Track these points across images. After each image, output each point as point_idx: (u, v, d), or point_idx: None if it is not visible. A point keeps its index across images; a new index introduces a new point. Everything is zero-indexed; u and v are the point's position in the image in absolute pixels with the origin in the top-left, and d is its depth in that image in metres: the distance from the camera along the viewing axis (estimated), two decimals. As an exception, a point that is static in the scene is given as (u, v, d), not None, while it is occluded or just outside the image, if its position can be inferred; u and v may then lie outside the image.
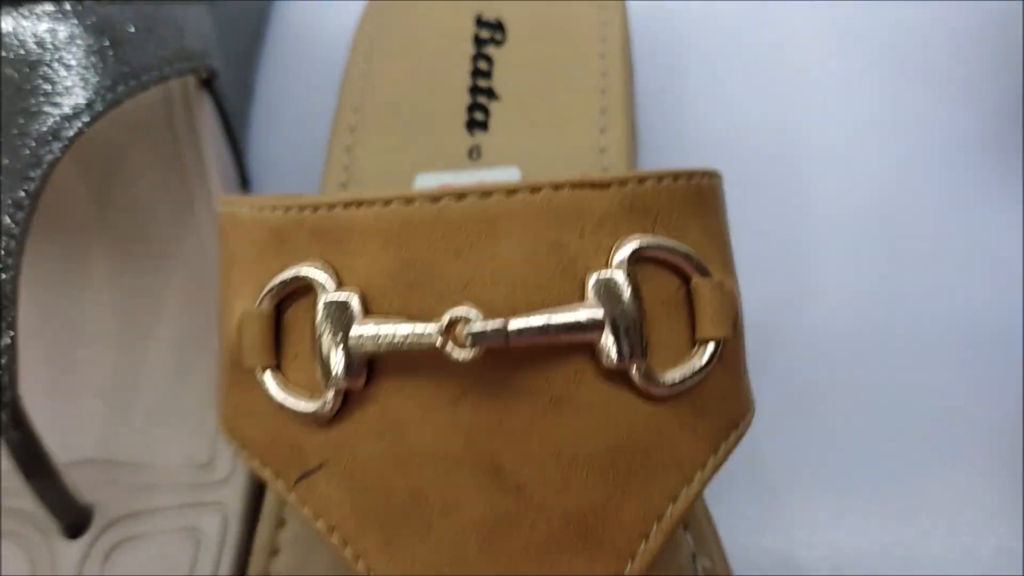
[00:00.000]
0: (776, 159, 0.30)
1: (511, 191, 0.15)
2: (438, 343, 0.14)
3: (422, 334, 0.15)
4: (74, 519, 0.23)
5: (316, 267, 0.16)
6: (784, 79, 0.32)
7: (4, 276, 0.19)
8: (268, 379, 0.16)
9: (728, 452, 0.16)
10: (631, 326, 0.15)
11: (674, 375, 0.15)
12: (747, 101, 0.31)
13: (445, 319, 0.14)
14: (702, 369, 0.16)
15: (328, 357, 0.15)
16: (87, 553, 0.23)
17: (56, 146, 0.21)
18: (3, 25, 0.21)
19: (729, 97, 0.31)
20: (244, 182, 0.29)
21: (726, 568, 0.20)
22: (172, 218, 0.26)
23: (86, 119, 0.21)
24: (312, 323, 0.16)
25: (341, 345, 0.15)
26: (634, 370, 0.15)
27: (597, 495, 0.15)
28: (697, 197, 0.17)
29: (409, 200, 0.15)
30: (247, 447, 0.17)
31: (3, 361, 0.19)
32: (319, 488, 0.16)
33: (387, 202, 0.15)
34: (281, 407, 0.16)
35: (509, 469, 0.15)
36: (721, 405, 0.16)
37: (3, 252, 0.19)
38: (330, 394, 0.16)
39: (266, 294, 0.16)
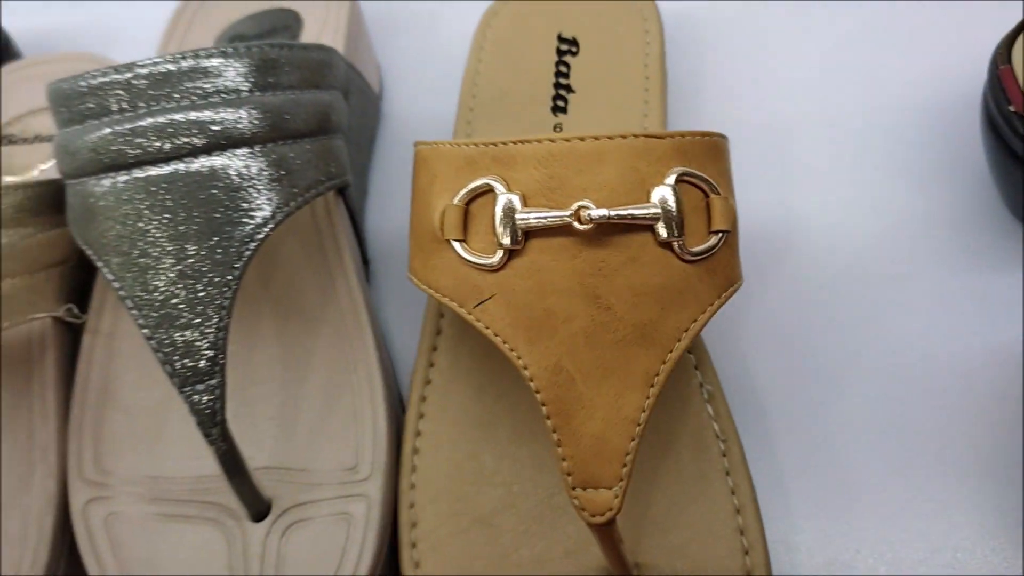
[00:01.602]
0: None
1: (611, 137, 0.25)
2: (569, 220, 0.25)
3: (559, 215, 0.25)
4: (258, 509, 0.30)
5: (495, 179, 0.26)
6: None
7: (221, 336, 0.27)
8: (459, 247, 0.27)
9: (725, 300, 0.26)
10: (674, 218, 0.25)
11: (698, 248, 0.26)
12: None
13: (574, 207, 0.25)
14: (713, 247, 0.26)
15: (501, 230, 0.26)
16: (268, 532, 0.30)
17: (252, 245, 0.29)
18: (217, 162, 0.29)
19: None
20: (364, 261, 0.38)
21: (721, 392, 0.30)
22: (318, 291, 0.34)
23: (271, 226, 0.29)
24: (491, 212, 0.26)
25: (509, 223, 0.25)
26: (675, 244, 0.25)
27: (652, 314, 0.25)
28: (714, 148, 0.27)
29: (552, 140, 0.26)
30: (439, 291, 0.27)
31: (218, 395, 0.27)
32: (489, 310, 0.26)
33: (540, 141, 0.26)
34: (466, 262, 0.26)
35: (603, 297, 0.25)
36: (723, 271, 0.27)
37: (223, 319, 0.28)
38: (500, 253, 0.26)
39: (463, 195, 0.26)
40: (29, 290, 0.31)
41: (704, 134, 0.27)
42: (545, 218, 0.25)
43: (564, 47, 0.39)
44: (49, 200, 0.33)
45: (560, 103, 0.38)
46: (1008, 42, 0.32)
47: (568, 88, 0.38)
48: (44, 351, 0.34)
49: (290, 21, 0.44)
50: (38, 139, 0.41)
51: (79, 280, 0.35)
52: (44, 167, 0.40)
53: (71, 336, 0.35)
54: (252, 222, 0.29)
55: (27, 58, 0.44)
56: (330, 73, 0.33)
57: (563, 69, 0.39)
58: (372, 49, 0.45)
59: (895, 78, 0.40)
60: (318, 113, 0.31)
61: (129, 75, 0.29)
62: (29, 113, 0.42)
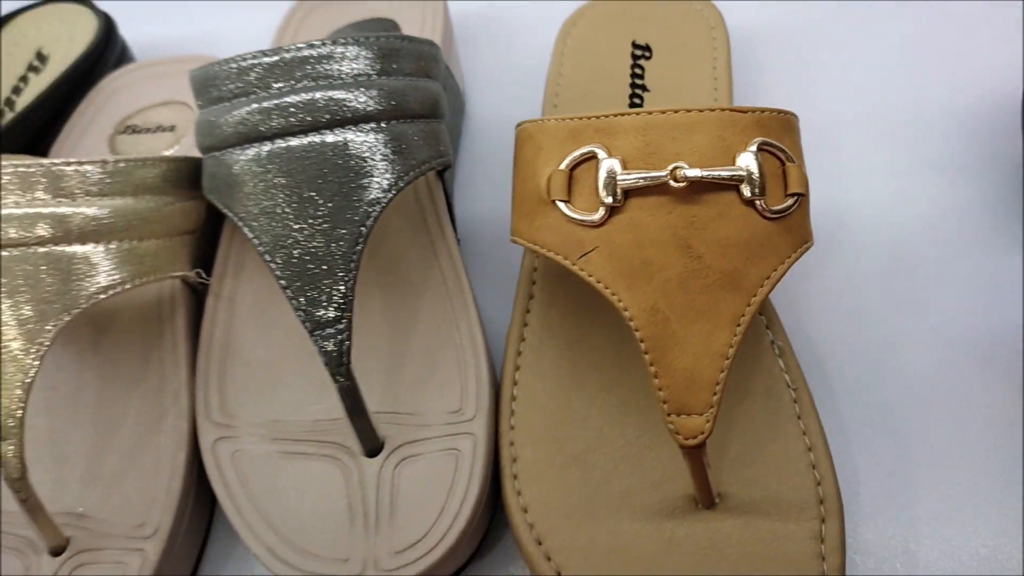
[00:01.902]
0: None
1: (701, 109, 0.29)
2: (666, 179, 0.28)
3: (657, 175, 0.28)
4: (373, 445, 0.33)
5: (598, 146, 0.30)
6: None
7: (350, 289, 0.31)
8: (564, 207, 0.30)
9: (800, 255, 0.30)
10: (756, 180, 0.29)
11: (777, 208, 0.29)
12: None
13: (669, 167, 0.28)
14: (790, 207, 0.29)
15: (604, 190, 0.29)
16: (382, 465, 0.33)
17: (377, 208, 0.32)
18: (348, 136, 0.32)
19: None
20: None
21: (791, 349, 0.33)
22: (421, 260, 0.38)
23: (392, 192, 0.33)
24: (593, 175, 0.30)
25: (611, 184, 0.29)
26: (757, 203, 0.29)
27: (739, 263, 0.29)
28: (788, 123, 0.30)
29: (650, 112, 0.29)
30: (544, 246, 0.31)
31: (345, 341, 0.31)
32: (592, 260, 0.29)
33: (638, 113, 0.29)
34: (570, 220, 0.30)
35: (695, 247, 0.29)
36: (798, 229, 0.30)
37: (351, 274, 0.31)
38: (602, 210, 0.29)
39: (569, 161, 0.30)
40: (168, 251, 0.35)
41: (780, 111, 0.30)
42: (644, 178, 0.29)
43: (638, 52, 0.43)
44: (186, 175, 0.37)
45: (636, 101, 0.42)
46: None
47: (643, 88, 0.42)
48: (175, 311, 0.38)
49: (388, 29, 0.48)
50: (160, 129, 0.45)
51: (204, 250, 0.39)
52: (167, 153, 0.44)
53: (196, 299, 0.39)
54: (378, 189, 0.33)
55: (141, 61, 0.48)
56: (436, 66, 0.37)
57: (638, 72, 0.43)
58: (459, 57, 0.49)
59: (937, 84, 0.43)
60: (430, 99, 0.35)
61: (276, 58, 0.33)
62: (150, 107, 0.46)
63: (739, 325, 0.28)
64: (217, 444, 0.34)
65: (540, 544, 0.30)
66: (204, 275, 0.37)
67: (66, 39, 0.48)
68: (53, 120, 0.45)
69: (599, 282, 0.29)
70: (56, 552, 0.33)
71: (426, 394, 0.34)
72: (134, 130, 0.45)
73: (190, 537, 0.34)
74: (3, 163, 0.33)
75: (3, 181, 0.33)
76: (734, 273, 0.29)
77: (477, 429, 0.33)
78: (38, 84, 0.46)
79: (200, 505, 0.35)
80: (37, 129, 0.44)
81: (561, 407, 0.33)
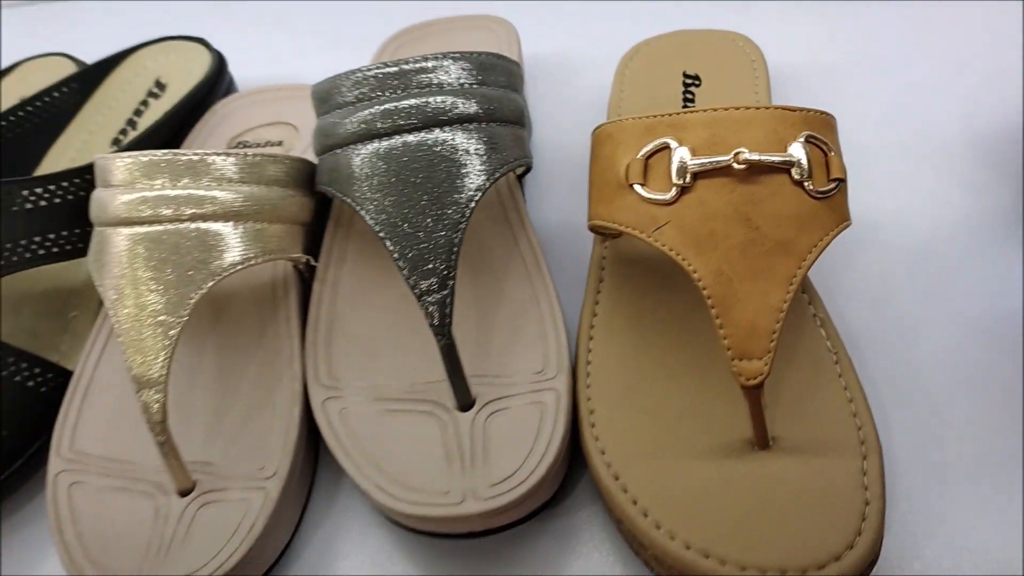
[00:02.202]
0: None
1: (758, 108, 0.34)
2: (729, 163, 0.34)
3: (720, 160, 0.34)
4: (467, 401, 0.37)
5: (670, 138, 0.35)
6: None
7: (453, 263, 0.36)
8: (640, 189, 0.35)
9: (840, 231, 0.35)
10: (804, 165, 0.34)
11: (822, 189, 0.34)
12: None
13: (733, 152, 0.34)
14: (832, 190, 0.34)
15: (676, 173, 0.34)
16: (474, 418, 0.37)
17: (477, 194, 0.38)
18: (452, 134, 0.38)
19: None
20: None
21: (830, 320, 0.38)
22: (504, 250, 0.43)
23: (489, 182, 0.38)
24: (666, 163, 0.35)
25: (683, 168, 0.34)
26: (806, 184, 0.34)
27: (791, 233, 0.33)
28: (829, 122, 0.36)
29: (715, 109, 0.35)
30: (622, 224, 0.36)
31: (449, 305, 0.36)
32: (665, 233, 0.34)
33: (704, 110, 0.35)
34: (645, 200, 0.35)
35: (753, 219, 0.34)
36: (839, 209, 0.35)
37: (455, 250, 0.36)
38: (673, 191, 0.34)
39: (646, 151, 0.35)
40: (288, 236, 0.40)
41: (823, 112, 0.36)
42: (711, 162, 0.34)
43: (689, 80, 0.49)
44: (303, 175, 0.42)
45: (687, 122, 0.48)
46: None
47: (693, 112, 0.48)
48: (288, 292, 0.43)
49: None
50: (268, 144, 0.51)
51: (311, 242, 0.44)
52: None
53: (304, 284, 0.44)
54: (478, 178, 0.38)
55: (247, 90, 0.55)
56: (522, 83, 0.43)
57: (689, 96, 0.49)
58: (526, 91, 0.55)
59: (952, 113, 0.49)
60: (517, 109, 0.41)
61: (394, 69, 0.39)
62: (258, 127, 0.52)
63: (791, 284, 0.33)
64: (326, 403, 0.39)
65: (616, 479, 0.34)
66: (313, 260, 0.42)
67: (183, 70, 0.54)
68: (171, 139, 0.51)
69: (671, 250, 0.34)
70: (184, 494, 0.37)
71: (512, 359, 0.39)
72: (244, 145, 0.51)
73: (302, 480, 0.39)
74: (157, 154, 0.38)
75: (144, 167, 0.38)
76: (786, 241, 0.33)
77: (559, 385, 0.37)
78: (157, 108, 0.52)
79: (309, 455, 0.39)
80: (157, 146, 0.50)
81: (630, 369, 0.38)
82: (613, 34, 0.58)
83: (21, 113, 0.49)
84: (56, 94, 0.51)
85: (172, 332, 0.36)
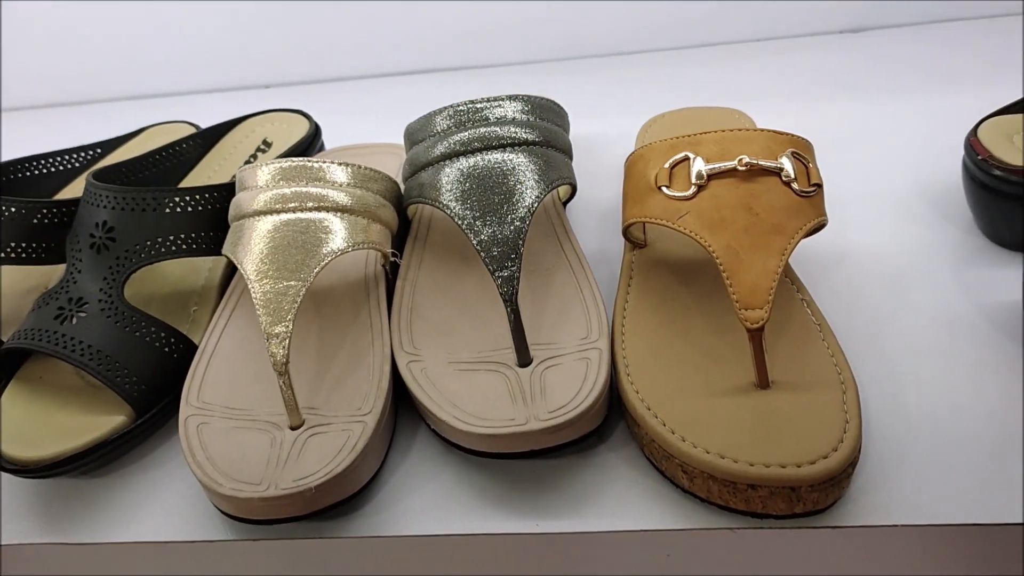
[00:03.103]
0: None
1: (756, 130, 0.45)
2: (735, 166, 0.43)
3: (730, 164, 0.44)
4: (526, 359, 0.45)
5: (690, 152, 0.45)
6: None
7: (519, 247, 0.45)
8: (666, 190, 0.45)
9: (818, 223, 0.44)
10: (791, 171, 0.44)
11: (804, 190, 0.44)
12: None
13: (738, 159, 0.44)
14: (812, 191, 0.44)
15: (695, 176, 0.44)
16: (532, 371, 0.44)
17: (537, 202, 0.48)
18: (516, 155, 0.49)
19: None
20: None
21: (813, 301, 0.47)
22: (551, 255, 0.53)
23: (544, 194, 0.48)
24: (687, 169, 0.45)
25: (700, 172, 0.44)
26: (792, 184, 0.44)
27: (783, 219, 0.43)
28: (808, 145, 0.46)
29: (723, 131, 0.45)
30: (652, 216, 0.45)
31: (515, 277, 0.45)
32: (686, 220, 0.44)
33: (715, 132, 0.45)
34: (670, 197, 0.45)
35: (754, 208, 0.43)
36: (817, 206, 0.45)
37: (521, 244, 0.46)
38: (693, 188, 0.44)
39: (671, 162, 0.45)
40: (382, 234, 0.50)
41: (803, 137, 0.46)
42: (722, 167, 0.44)
43: (696, 142, 0.61)
44: (393, 193, 0.52)
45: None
46: (975, 126, 0.52)
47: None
48: (377, 285, 0.52)
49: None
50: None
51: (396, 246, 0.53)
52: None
53: (389, 282, 0.53)
54: (529, 198, 0.48)
55: (336, 147, 0.65)
56: (567, 127, 0.53)
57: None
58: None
59: (909, 171, 0.60)
60: (566, 142, 0.51)
61: (468, 106, 0.49)
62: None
63: (783, 255, 0.42)
64: (410, 364, 0.47)
65: (649, 409, 0.42)
66: (398, 256, 0.52)
67: (286, 133, 0.65)
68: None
69: (692, 232, 0.44)
70: (295, 428, 0.44)
71: (562, 331, 0.47)
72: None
73: (388, 425, 0.46)
74: (292, 161, 0.48)
75: (281, 172, 0.48)
76: (779, 224, 0.43)
77: (601, 345, 0.45)
78: (265, 160, 0.62)
79: (392, 409, 0.47)
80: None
81: (656, 336, 0.46)
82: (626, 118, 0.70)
83: (157, 157, 0.60)
84: (184, 145, 0.62)
85: (297, 297, 0.45)
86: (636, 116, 0.68)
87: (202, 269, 0.56)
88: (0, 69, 0.93)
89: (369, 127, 0.72)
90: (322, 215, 0.47)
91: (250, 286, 0.45)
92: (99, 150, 0.65)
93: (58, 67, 0.93)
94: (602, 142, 0.69)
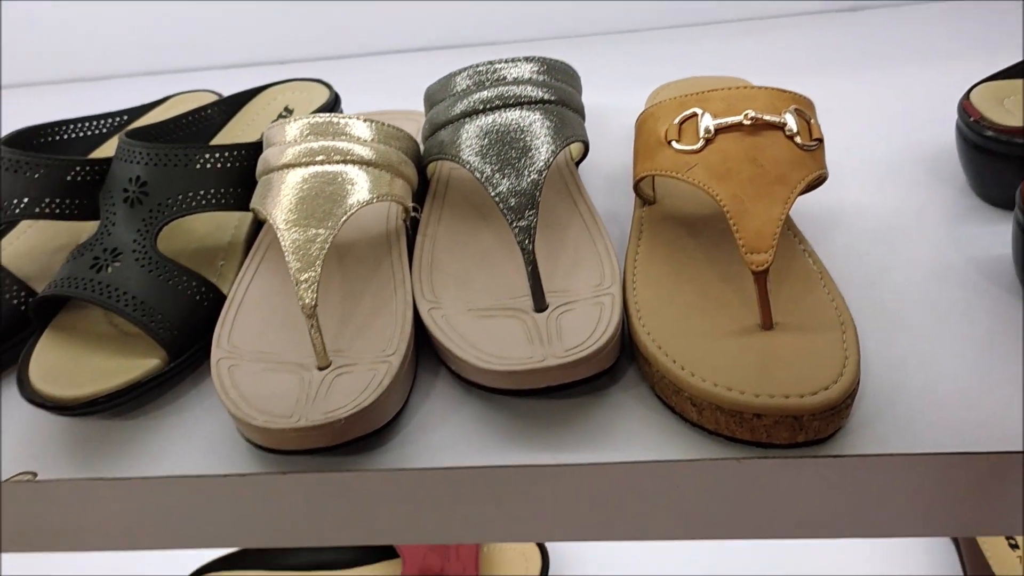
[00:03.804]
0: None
1: (760, 87, 0.47)
2: (741, 120, 0.46)
3: (736, 119, 0.46)
4: (543, 305, 0.47)
5: (698, 108, 0.47)
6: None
7: (535, 208, 0.47)
8: (676, 144, 0.47)
9: (818, 176, 0.46)
10: (794, 126, 0.46)
11: (806, 143, 0.46)
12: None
13: (744, 114, 0.46)
14: (813, 145, 0.46)
15: (703, 131, 0.46)
16: (548, 316, 0.46)
17: (551, 157, 0.50)
18: (531, 112, 0.51)
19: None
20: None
21: (814, 252, 0.49)
22: (565, 210, 0.55)
23: (558, 150, 0.50)
24: (695, 124, 0.47)
25: (707, 127, 0.46)
26: (795, 138, 0.46)
27: (786, 170, 0.45)
28: (810, 102, 0.48)
29: (729, 88, 0.47)
30: (662, 170, 0.47)
31: (532, 227, 0.48)
32: (694, 172, 0.46)
33: (723, 89, 0.47)
34: (679, 151, 0.47)
35: (758, 160, 0.45)
36: (818, 160, 0.47)
37: (536, 197, 0.48)
38: (701, 142, 0.46)
39: (680, 118, 0.47)
40: (403, 188, 0.52)
41: (805, 96, 0.48)
42: (728, 121, 0.46)
43: (701, 108, 0.63)
44: (413, 151, 0.54)
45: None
46: (968, 91, 0.54)
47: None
48: (399, 238, 0.54)
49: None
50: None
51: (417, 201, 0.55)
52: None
53: (409, 237, 0.55)
54: (543, 154, 0.50)
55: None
56: (579, 88, 0.55)
57: (702, 118, 0.62)
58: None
59: (898, 131, 0.63)
60: (578, 101, 0.54)
61: (486, 67, 0.52)
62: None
63: (786, 204, 0.44)
64: (430, 311, 0.49)
65: (659, 348, 0.44)
66: (418, 211, 0.54)
67: (307, 101, 0.67)
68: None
69: (700, 183, 0.46)
70: (322, 369, 0.47)
71: (576, 279, 0.49)
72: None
73: (410, 368, 0.48)
74: (319, 117, 0.50)
75: (310, 127, 0.50)
76: (782, 175, 0.45)
77: (614, 291, 0.47)
78: (286, 123, 0.65)
79: (414, 355, 0.49)
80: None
81: (665, 283, 0.48)
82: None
83: (183, 121, 0.62)
84: (208, 111, 0.64)
85: (325, 244, 0.47)
86: (641, 89, 0.70)
87: (228, 226, 0.58)
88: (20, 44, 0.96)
89: (379, 104, 0.74)
90: (348, 168, 0.49)
91: (279, 234, 0.48)
92: (125, 117, 0.66)
93: (76, 43, 0.95)
94: (608, 113, 0.71)
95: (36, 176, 0.54)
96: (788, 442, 0.41)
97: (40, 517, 0.49)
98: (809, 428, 0.41)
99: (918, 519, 0.44)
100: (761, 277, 0.43)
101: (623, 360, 0.48)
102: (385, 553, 0.79)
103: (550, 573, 0.80)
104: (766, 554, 0.86)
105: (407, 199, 0.52)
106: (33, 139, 0.61)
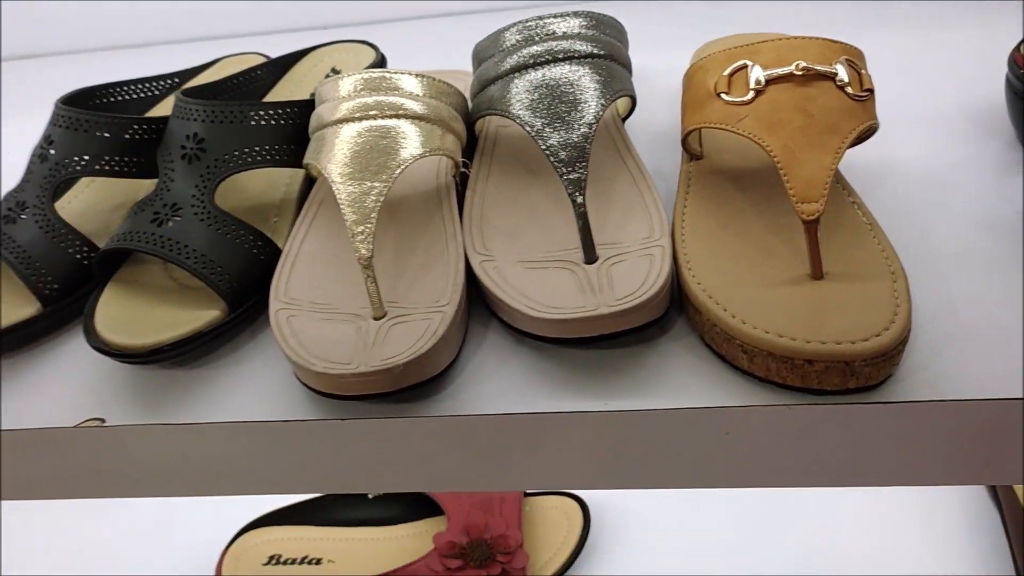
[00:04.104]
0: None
1: (811, 38, 0.47)
2: (792, 71, 0.46)
3: (787, 70, 0.46)
4: (593, 256, 0.47)
5: (748, 60, 0.47)
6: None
7: (585, 159, 0.48)
8: (725, 96, 0.47)
9: (869, 126, 0.46)
10: (845, 76, 0.46)
11: (857, 94, 0.46)
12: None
13: (795, 64, 0.46)
14: (864, 95, 0.47)
15: (753, 82, 0.47)
16: (599, 267, 0.47)
17: (594, 124, 0.50)
18: (577, 67, 0.52)
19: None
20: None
21: (863, 203, 0.49)
22: (612, 164, 0.55)
23: (607, 103, 0.50)
24: (745, 76, 0.47)
25: (757, 78, 0.47)
26: (846, 88, 0.46)
27: (836, 120, 0.45)
28: (861, 53, 0.48)
29: (780, 39, 0.47)
30: (712, 122, 0.48)
31: (583, 179, 0.48)
32: (745, 123, 0.46)
33: (772, 40, 0.47)
34: (729, 103, 0.47)
35: (809, 110, 0.45)
36: (869, 110, 0.47)
37: (586, 150, 0.48)
38: (751, 94, 0.47)
39: (730, 70, 0.48)
40: (454, 142, 0.53)
41: (855, 46, 0.48)
42: (779, 72, 0.46)
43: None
44: (462, 107, 0.55)
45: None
46: (1020, 43, 0.54)
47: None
48: (449, 194, 0.55)
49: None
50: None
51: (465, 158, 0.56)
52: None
53: (459, 192, 0.56)
54: (593, 107, 0.50)
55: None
56: (626, 42, 0.56)
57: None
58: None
59: (947, 86, 0.62)
60: (626, 55, 0.54)
61: (535, 21, 0.52)
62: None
63: (837, 153, 0.45)
64: (482, 263, 0.50)
65: (710, 297, 0.45)
66: (468, 166, 0.55)
67: (353, 62, 0.68)
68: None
69: (750, 134, 0.46)
70: (378, 319, 0.48)
71: (625, 232, 0.50)
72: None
73: (464, 316, 0.49)
74: (372, 72, 0.51)
75: (363, 82, 0.51)
76: (833, 125, 0.45)
77: (664, 243, 0.48)
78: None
79: (466, 306, 0.50)
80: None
81: (714, 235, 0.48)
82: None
83: (234, 81, 0.63)
84: (258, 72, 0.65)
85: (380, 197, 0.48)
86: (685, 50, 0.70)
87: (280, 185, 0.59)
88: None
89: (423, 66, 0.75)
90: (401, 122, 0.50)
91: (335, 188, 0.48)
92: (176, 79, 0.68)
93: (121, 9, 0.97)
94: (652, 74, 0.71)
95: (95, 134, 0.56)
96: (838, 388, 0.42)
97: (107, 463, 0.50)
98: (860, 374, 0.41)
99: (966, 466, 0.44)
100: (812, 227, 0.44)
101: (672, 312, 0.48)
102: (429, 511, 0.81)
103: (591, 531, 0.81)
104: (806, 504, 0.86)
105: (457, 154, 0.53)
106: (89, 100, 0.63)
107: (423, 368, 0.45)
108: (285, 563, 0.77)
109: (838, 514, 0.86)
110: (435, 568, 0.72)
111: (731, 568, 0.81)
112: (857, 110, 0.46)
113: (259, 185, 0.59)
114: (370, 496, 0.81)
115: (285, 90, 0.66)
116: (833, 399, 0.42)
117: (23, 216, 0.55)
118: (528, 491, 0.83)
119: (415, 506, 0.81)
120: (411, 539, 0.79)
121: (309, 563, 0.77)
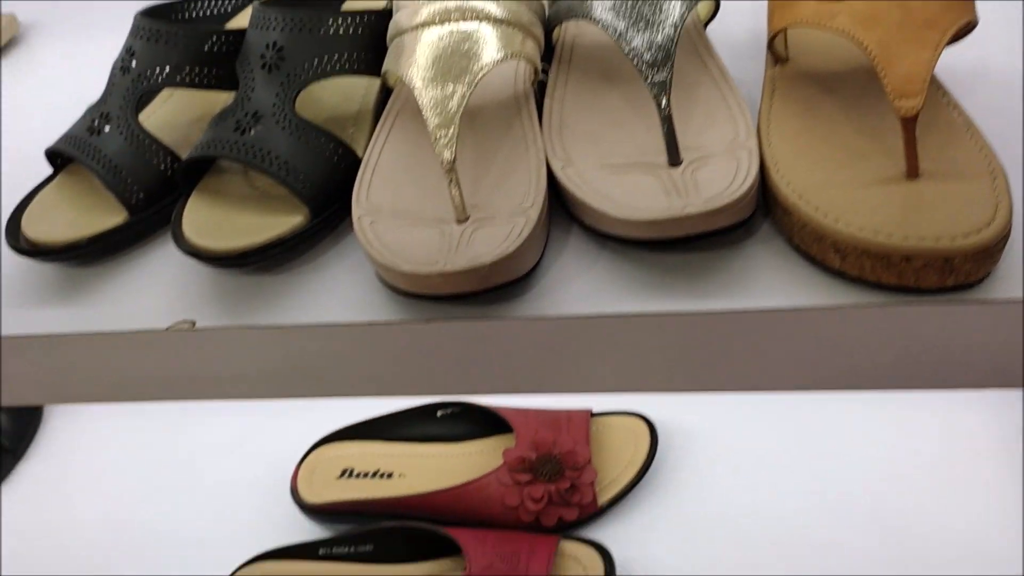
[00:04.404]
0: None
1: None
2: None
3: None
4: (677, 159, 0.46)
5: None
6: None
7: (671, 62, 0.47)
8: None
9: (969, 20, 0.45)
10: None
11: None
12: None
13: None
14: None
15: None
16: (683, 170, 0.46)
17: (680, 24, 0.47)
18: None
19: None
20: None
21: (959, 104, 0.47)
22: (694, 72, 0.53)
23: (688, 11, 0.48)
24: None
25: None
26: None
27: (935, 14, 0.43)
28: None
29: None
30: (798, 19, 0.46)
31: (668, 82, 0.48)
32: (838, 20, 0.45)
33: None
34: (822, 0, 0.46)
35: (905, 3, 0.44)
36: (968, 4, 0.45)
37: (671, 50, 0.47)
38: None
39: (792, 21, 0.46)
40: (533, 48, 0.52)
41: None
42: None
43: None
44: (540, 13, 0.54)
45: None
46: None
47: None
48: (528, 100, 0.54)
49: None
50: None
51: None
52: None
53: (536, 99, 0.55)
54: (675, 14, 0.49)
55: None
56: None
57: None
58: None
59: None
60: None
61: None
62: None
63: (937, 49, 0.43)
64: (564, 168, 0.49)
65: (800, 197, 0.44)
66: (547, 73, 0.54)
67: None
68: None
69: (845, 31, 0.45)
70: (461, 223, 0.48)
71: (709, 135, 0.49)
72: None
73: (546, 220, 0.49)
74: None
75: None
76: (932, 19, 0.44)
77: (750, 145, 0.47)
78: None
79: (548, 210, 0.50)
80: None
81: (800, 137, 0.47)
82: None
83: None
84: None
85: (463, 100, 0.47)
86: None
87: (355, 96, 0.59)
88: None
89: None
90: (482, 26, 0.49)
91: (416, 93, 0.48)
92: (249, -5, 0.68)
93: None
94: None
95: (175, 45, 0.56)
96: (936, 286, 0.41)
97: (196, 365, 0.52)
98: (960, 271, 0.40)
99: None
100: (911, 123, 0.42)
101: (757, 216, 0.47)
102: (498, 429, 0.82)
103: (659, 451, 0.81)
104: (881, 420, 0.86)
105: (537, 60, 0.52)
106: (166, 15, 0.63)
107: (509, 268, 0.45)
108: (358, 476, 0.79)
109: (917, 427, 0.84)
110: (505, 482, 0.73)
111: (799, 488, 0.81)
112: (956, 4, 0.44)
113: (335, 97, 0.59)
114: (439, 415, 0.82)
115: (357, 5, 0.66)
116: (930, 297, 0.41)
117: (107, 128, 0.55)
118: (595, 412, 0.83)
119: (483, 424, 0.82)
120: (480, 455, 0.80)
121: (381, 477, 0.79)
